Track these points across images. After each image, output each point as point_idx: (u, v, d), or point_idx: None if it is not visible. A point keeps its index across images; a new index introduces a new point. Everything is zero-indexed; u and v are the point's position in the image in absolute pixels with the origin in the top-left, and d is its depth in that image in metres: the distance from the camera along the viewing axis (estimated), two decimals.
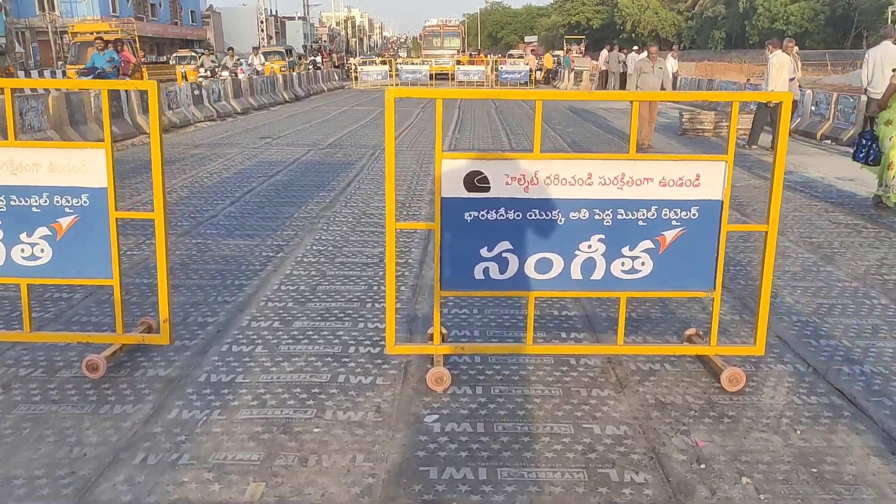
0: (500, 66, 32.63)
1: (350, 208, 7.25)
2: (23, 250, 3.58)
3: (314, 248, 5.79)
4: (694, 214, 3.23)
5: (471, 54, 45.31)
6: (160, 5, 64.81)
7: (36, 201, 3.56)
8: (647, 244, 3.27)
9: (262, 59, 27.02)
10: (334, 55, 57.34)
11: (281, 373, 3.44)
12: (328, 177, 9.10)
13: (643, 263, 3.28)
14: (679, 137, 13.52)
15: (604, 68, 28.68)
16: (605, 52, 28.93)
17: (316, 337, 3.89)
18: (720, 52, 73.03)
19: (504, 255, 3.30)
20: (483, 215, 3.27)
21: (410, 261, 5.42)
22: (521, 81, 31.89)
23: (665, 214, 3.24)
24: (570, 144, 12.36)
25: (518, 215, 3.26)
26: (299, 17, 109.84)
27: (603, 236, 3.26)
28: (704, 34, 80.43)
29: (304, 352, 3.69)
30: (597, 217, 3.25)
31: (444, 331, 3.63)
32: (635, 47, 30.02)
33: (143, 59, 23.59)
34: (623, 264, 3.28)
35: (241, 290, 4.70)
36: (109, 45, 15.51)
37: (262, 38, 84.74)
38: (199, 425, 2.95)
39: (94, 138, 11.37)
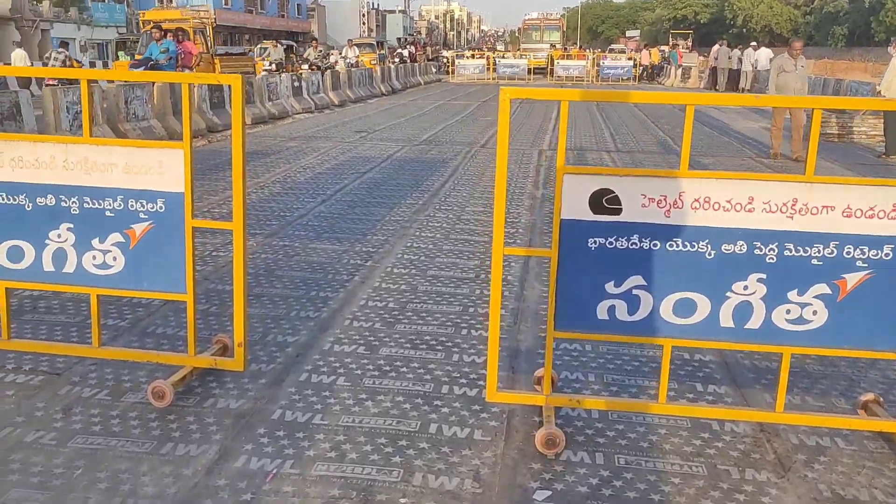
0: (601, 62, 31.48)
1: (444, 212, 6.77)
2: (94, 257, 3.27)
3: (405, 256, 5.34)
4: (887, 255, 2.54)
5: (565, 48, 44.20)
6: None
7: (110, 204, 3.23)
8: (822, 289, 2.60)
9: (356, 52, 26.56)
10: (428, 48, 55.95)
11: (364, 415, 2.98)
12: (422, 176, 8.67)
13: (815, 312, 2.62)
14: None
15: (714, 65, 27.13)
16: (716, 48, 27.36)
17: (405, 369, 3.42)
18: (841, 49, 68.41)
19: (635, 292, 2.72)
20: (611, 243, 2.70)
21: (510, 277, 4.88)
22: (625, 77, 30.65)
23: (848, 252, 2.57)
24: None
25: (655, 245, 2.67)
26: (399, 11, 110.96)
27: (764, 276, 2.62)
28: (824, 30, 75.48)
29: (391, 388, 3.22)
30: (758, 252, 2.61)
31: (554, 374, 3.07)
32: (753, 43, 28.27)
33: (214, 50, 21.82)
34: (788, 312, 2.63)
35: (325, 305, 4.29)
36: (169, 34, 14.15)
37: (364, 31, 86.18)
38: (267, 480, 2.52)
39: (195, 129, 11.40)
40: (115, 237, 3.24)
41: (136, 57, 17.56)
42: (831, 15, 74.56)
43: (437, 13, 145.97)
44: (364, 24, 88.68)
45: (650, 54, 33.41)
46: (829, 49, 66.87)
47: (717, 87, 26.94)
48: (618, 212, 2.67)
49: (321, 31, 79.80)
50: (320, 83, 17.37)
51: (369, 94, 21.24)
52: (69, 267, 3.26)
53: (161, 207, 3.18)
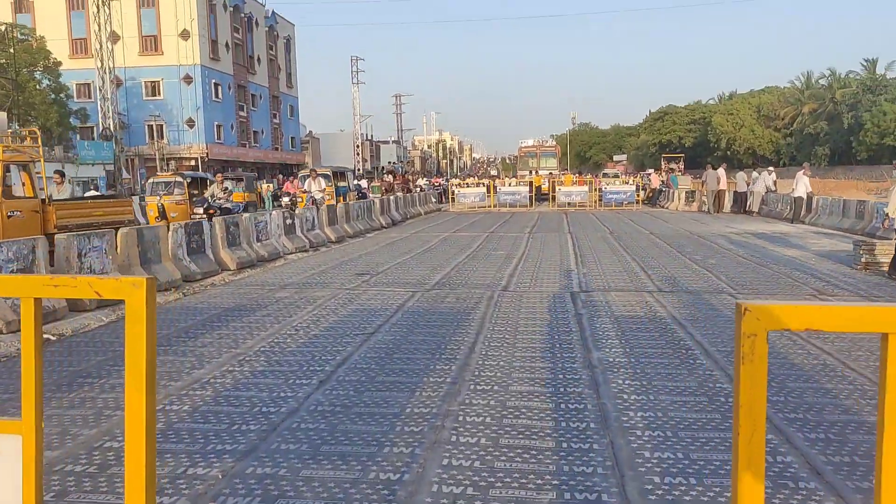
0: (603, 186, 30.82)
1: (482, 396, 5.09)
2: None
3: (443, 488, 3.61)
4: None
5: (571, 172, 44.17)
6: (262, 133, 67.68)
7: None
8: None
9: (322, 184, 22.12)
10: (409, 176, 51.12)
11: None
12: (443, 336, 7.05)
13: None
14: (863, 274, 10.90)
15: (721, 188, 26.35)
16: (720, 171, 26.66)
17: None
18: (824, 168, 69.33)
19: None
20: None
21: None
22: (627, 202, 29.87)
23: None
24: (737, 286, 9.97)
25: None
26: (393, 141, 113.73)
27: None
28: (805, 151, 77.06)
29: None
30: None
31: None
32: (770, 167, 27.65)
33: (49, 196, 12.09)
34: None
35: None
36: None
37: (358, 161, 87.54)
38: None
39: (167, 279, 9.86)
40: None
41: None
42: (812, 136, 76.35)
43: (429, 143, 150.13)
44: (358, 154, 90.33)
45: (658, 177, 32.85)
46: (813, 168, 67.71)
47: (722, 210, 26.06)
48: None
49: (315, 162, 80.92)
50: (315, 219, 16.11)
51: (368, 227, 20.04)
52: None
53: None
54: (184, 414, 4.80)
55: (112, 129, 45.41)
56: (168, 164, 55.43)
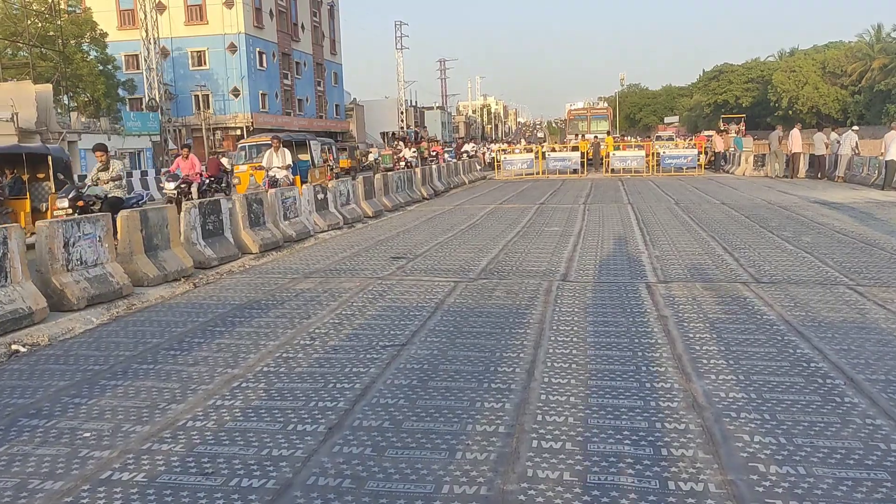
0: (662, 151, 28.62)
1: (552, 462, 3.59)
2: None
3: None
4: None
5: (622, 136, 41.75)
6: (307, 101, 66.66)
7: None
8: None
9: (286, 158, 15.07)
10: (424, 144, 44.01)
11: None
12: (491, 350, 5.56)
13: None
14: None
15: (797, 150, 24.03)
16: (795, 132, 24.30)
17: None
18: (889, 127, 64.97)
19: None
20: None
21: None
22: (689, 167, 27.68)
23: None
24: (852, 274, 8.20)
25: None
26: (438, 107, 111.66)
27: None
28: (875, 109, 72.39)
29: None
30: None
31: None
32: (855, 127, 25.17)
33: None
34: None
35: None
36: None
37: (402, 128, 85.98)
38: None
39: (176, 268, 8.55)
40: None
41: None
42: (883, 93, 71.58)
43: (474, 108, 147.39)
44: (402, 121, 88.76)
45: (722, 140, 30.47)
46: (882, 128, 63.40)
47: (798, 175, 23.79)
48: None
49: (360, 130, 79.76)
50: (350, 193, 14.68)
51: (409, 199, 18.55)
52: None
53: None
54: (132, 491, 3.42)
55: (158, 99, 44.78)
56: (214, 134, 54.88)
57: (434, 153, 31.38)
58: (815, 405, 4.31)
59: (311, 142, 20.95)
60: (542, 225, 13.40)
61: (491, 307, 7.01)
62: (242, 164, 19.80)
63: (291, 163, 14.79)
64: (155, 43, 44.11)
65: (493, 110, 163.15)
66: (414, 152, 30.26)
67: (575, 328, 6.15)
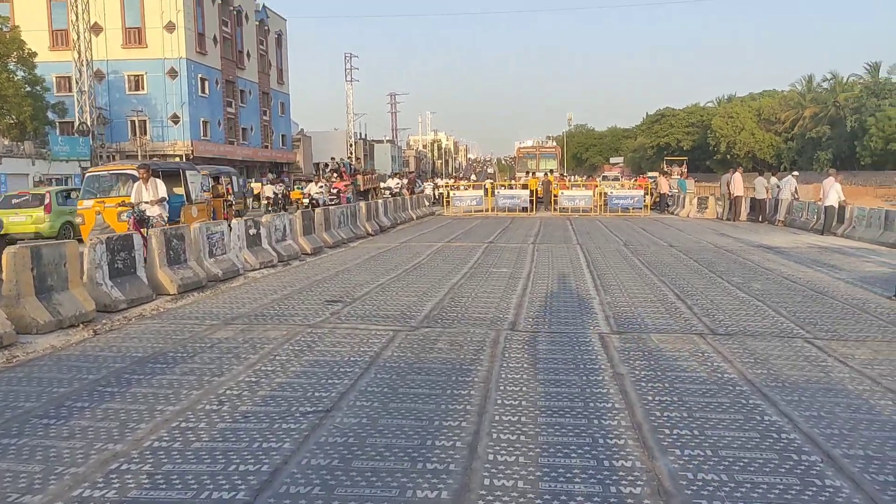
0: (609, 191, 28.64)
1: None
2: None
3: None
4: None
5: (563, 176, 41.87)
6: (251, 130, 65.46)
7: None
8: None
9: (159, 190, 12.08)
10: (360, 177, 36.48)
11: None
12: (430, 417, 4.87)
13: None
14: None
15: (735, 194, 24.24)
16: (737, 175, 24.54)
17: None
18: (825, 173, 67.39)
19: None
20: None
21: None
22: (635, 208, 27.72)
23: None
24: (807, 325, 7.82)
25: None
26: (388, 140, 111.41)
27: None
28: (807, 155, 75.22)
29: None
30: None
31: None
32: (795, 172, 25.53)
33: None
34: None
35: None
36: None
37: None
38: None
39: (74, 313, 7.61)
40: None
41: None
42: (814, 140, 74.41)
43: (424, 142, 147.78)
44: (351, 153, 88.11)
45: (666, 181, 30.70)
46: (813, 174, 65.74)
47: (739, 218, 23.98)
48: None
49: (307, 162, 78.70)
50: (287, 228, 13.87)
51: (352, 235, 17.81)
52: None
53: None
54: None
55: (89, 123, 43.07)
56: (150, 160, 53.14)
57: (335, 191, 24.83)
58: (794, 490, 3.76)
59: (188, 172, 17.29)
60: (491, 266, 12.84)
61: (432, 362, 6.33)
62: (88, 199, 15.78)
63: (166, 196, 12.23)
64: (88, 65, 42.58)
65: (443, 145, 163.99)
66: (320, 187, 25.35)
67: (524, 388, 5.51)
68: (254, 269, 12.04)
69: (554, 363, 6.24)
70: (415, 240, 18.01)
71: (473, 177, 70.61)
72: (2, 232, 15.64)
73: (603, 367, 6.12)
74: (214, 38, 58.04)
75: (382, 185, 29.89)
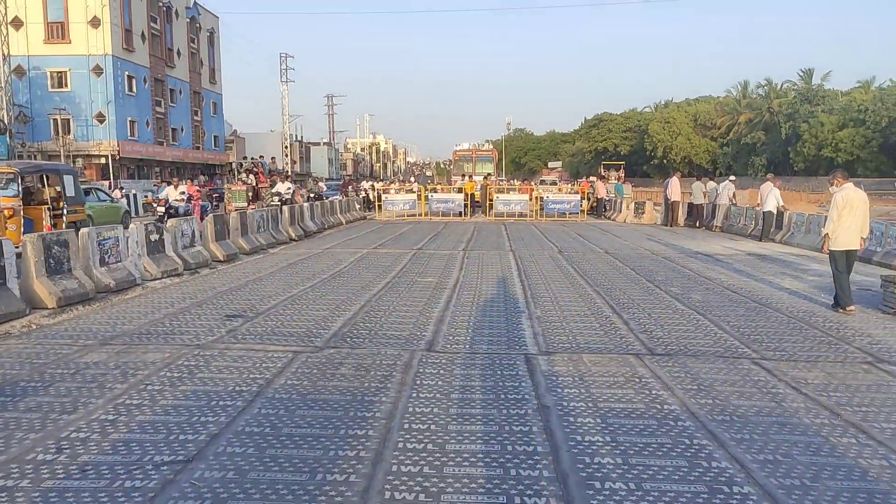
0: (546, 196, 28.17)
1: None
2: None
3: None
4: None
5: (501, 180, 41.36)
6: (182, 131, 63.10)
7: None
8: None
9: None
10: (276, 178, 32.04)
11: None
12: (312, 464, 3.97)
13: None
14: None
15: (673, 199, 24.05)
16: (674, 180, 24.39)
17: None
18: (760, 178, 69.10)
19: None
20: None
21: None
22: (572, 213, 27.31)
23: None
24: (753, 343, 7.22)
25: None
26: (325, 143, 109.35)
27: None
28: (742, 160, 77.06)
29: None
30: None
31: None
32: (732, 177, 25.57)
33: None
34: None
35: None
36: None
37: (287, 164, 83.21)
38: None
39: None
40: None
41: None
42: (748, 146, 76.29)
43: (363, 145, 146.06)
44: (287, 156, 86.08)
45: (604, 186, 30.42)
46: (749, 179, 67.34)
47: (676, 223, 23.79)
48: None
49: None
50: (195, 232, 12.70)
51: (273, 241, 16.68)
52: None
53: None
54: None
55: (6, 121, 40.48)
56: (74, 162, 50.50)
57: (186, 196, 19.81)
58: None
59: (64, 175, 14.84)
60: (416, 274, 11.98)
61: (331, 392, 5.42)
62: None
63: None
64: (6, 60, 40.09)
65: (382, 149, 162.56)
66: (181, 193, 19.78)
67: (433, 427, 4.67)
68: (155, 279, 10.87)
69: (471, 392, 5.41)
70: (340, 245, 17.00)
71: (413, 179, 69.91)
72: None
73: (527, 396, 5.32)
74: (143, 35, 55.63)
75: (272, 190, 25.32)
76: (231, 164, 28.72)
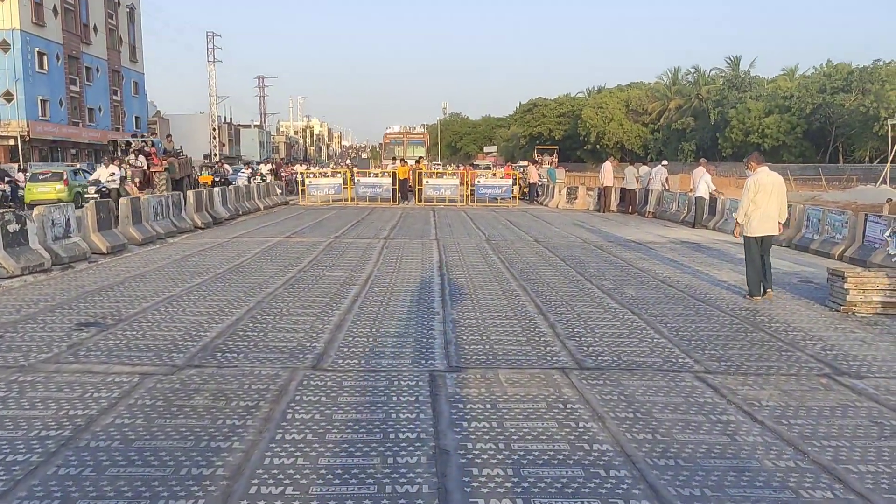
0: (477, 180, 27.13)
1: None
2: None
3: None
4: None
5: (436, 164, 40.19)
6: (100, 111, 59.56)
7: None
8: None
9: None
10: (173, 160, 26.33)
11: None
12: None
13: None
14: (853, 318, 7.55)
15: (606, 184, 23.36)
16: (607, 165, 23.70)
17: None
18: (690, 163, 69.97)
19: None
20: None
21: None
22: (504, 198, 26.35)
23: None
24: (697, 351, 6.26)
25: None
26: (255, 125, 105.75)
27: None
28: (672, 146, 77.96)
29: None
30: None
31: None
32: (665, 161, 25.02)
33: None
34: None
35: None
36: None
37: (215, 146, 79.97)
38: None
39: None
40: None
41: None
42: (679, 132, 77.22)
43: (296, 129, 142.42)
44: (215, 138, 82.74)
45: (536, 170, 29.55)
46: (679, 164, 68.04)
47: (609, 209, 23.12)
48: None
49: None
50: (71, 220, 11.07)
51: (174, 229, 15.08)
52: None
53: None
54: None
55: None
56: None
57: (117, 177, 18.09)
58: None
59: None
60: (326, 268, 10.71)
61: (168, 436, 4.15)
62: None
63: None
64: None
65: (316, 132, 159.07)
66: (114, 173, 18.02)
67: (289, 491, 3.46)
68: (12, 276, 9.28)
69: (354, 431, 4.24)
70: (250, 234, 15.52)
71: (349, 162, 68.32)
72: None
73: (424, 435, 4.18)
74: (55, 9, 52.00)
75: (89, 178, 21.03)
76: (115, 142, 23.30)
